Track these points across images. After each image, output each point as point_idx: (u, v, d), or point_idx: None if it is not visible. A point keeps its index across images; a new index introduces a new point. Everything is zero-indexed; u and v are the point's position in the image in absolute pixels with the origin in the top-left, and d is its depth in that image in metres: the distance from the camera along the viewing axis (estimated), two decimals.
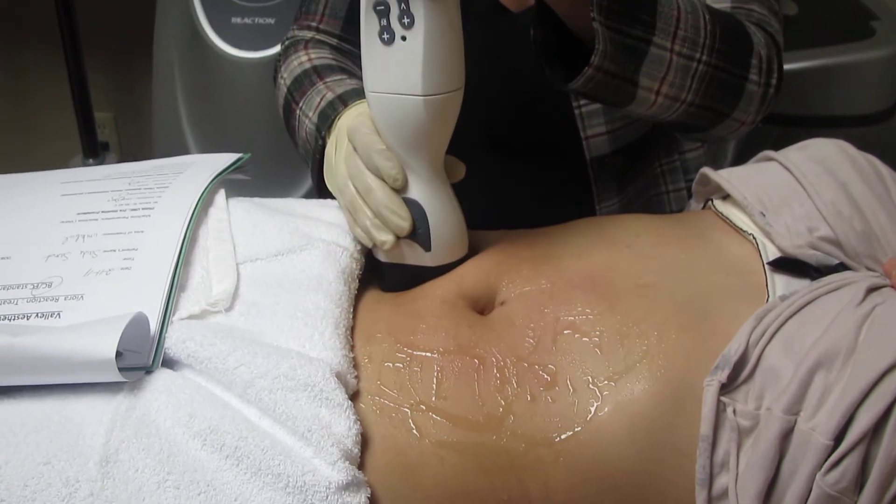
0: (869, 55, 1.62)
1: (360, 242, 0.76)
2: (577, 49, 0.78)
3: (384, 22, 0.65)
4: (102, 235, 0.72)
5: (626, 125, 0.99)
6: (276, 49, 1.49)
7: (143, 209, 0.74)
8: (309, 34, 1.04)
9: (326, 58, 0.99)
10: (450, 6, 0.66)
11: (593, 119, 0.97)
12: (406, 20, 0.65)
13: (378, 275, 0.77)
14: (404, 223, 0.71)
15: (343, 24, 1.03)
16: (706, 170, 0.80)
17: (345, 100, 0.86)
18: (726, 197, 0.78)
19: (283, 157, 1.56)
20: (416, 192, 0.72)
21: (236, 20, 1.53)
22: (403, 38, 0.65)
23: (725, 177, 0.77)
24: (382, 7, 0.65)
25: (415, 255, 0.74)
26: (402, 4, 0.64)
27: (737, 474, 0.61)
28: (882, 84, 1.67)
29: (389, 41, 0.66)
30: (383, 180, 0.71)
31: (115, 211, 0.74)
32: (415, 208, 0.72)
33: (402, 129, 0.69)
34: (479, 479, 0.62)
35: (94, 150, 2.06)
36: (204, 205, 0.76)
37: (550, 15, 0.77)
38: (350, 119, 0.76)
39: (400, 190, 0.72)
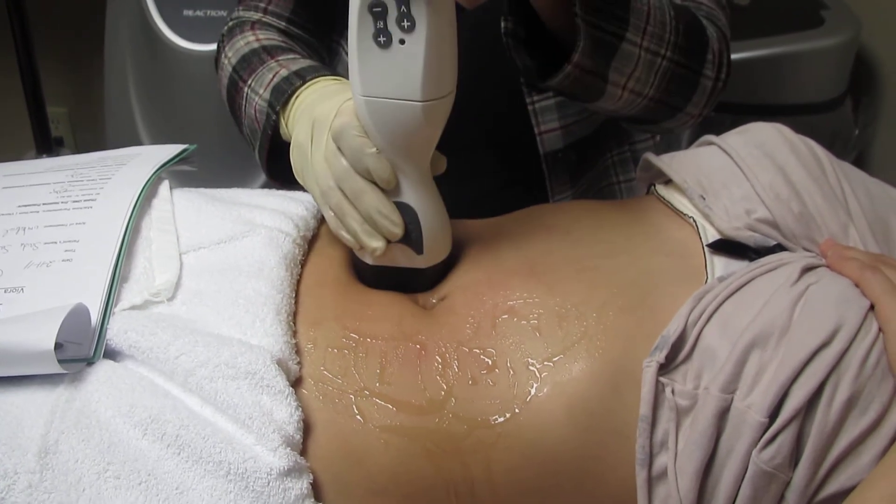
0: (819, 44, 1.65)
1: (302, 227, 0.76)
2: (545, 42, 0.78)
3: (380, 24, 0.61)
4: (43, 227, 0.71)
5: (579, 120, 1.00)
6: None
7: (85, 201, 0.74)
8: (256, 15, 1.00)
9: (275, 40, 0.95)
10: (450, 7, 0.62)
11: (546, 115, 0.98)
12: (406, 23, 0.61)
13: (361, 275, 0.75)
14: (397, 229, 0.69)
15: (293, 7, 0.99)
16: (648, 155, 0.81)
17: (302, 75, 0.81)
18: (668, 181, 0.79)
19: (237, 150, 1.55)
20: (407, 194, 0.69)
21: (188, 13, 1.52)
22: (402, 42, 0.62)
23: (666, 161, 0.78)
24: (379, 9, 0.61)
25: (406, 258, 0.72)
26: (402, 7, 0.60)
27: (676, 453, 0.62)
28: (832, 73, 1.69)
29: (386, 44, 0.62)
30: (373, 183, 0.69)
31: (57, 203, 0.74)
32: (407, 212, 0.70)
33: (396, 134, 0.66)
34: (423, 462, 0.63)
35: (47, 146, 2.03)
36: (147, 196, 0.76)
37: (521, 7, 0.76)
38: (330, 109, 0.71)
39: (391, 193, 0.69)
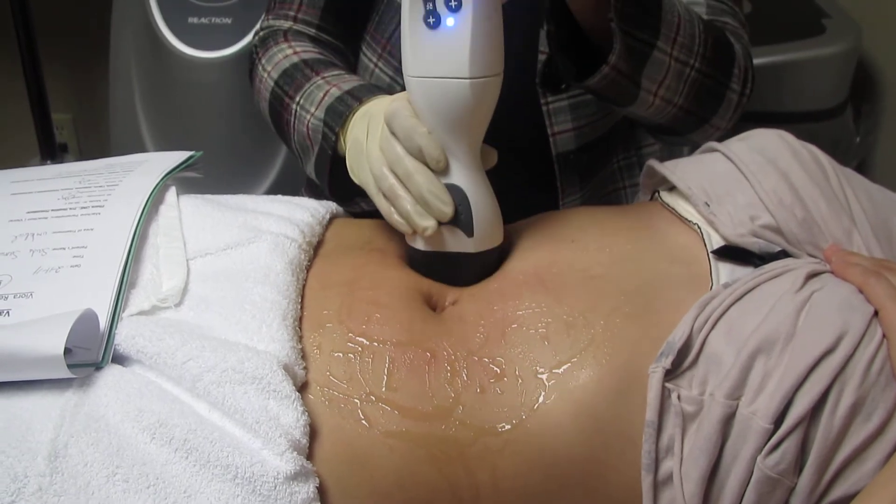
0: (820, 52, 1.65)
1: (308, 233, 0.76)
2: (583, 47, 0.83)
3: (430, 6, 0.66)
4: (52, 233, 0.72)
5: (591, 122, 1.01)
6: (234, 49, 1.49)
7: (93, 207, 0.74)
8: (287, 24, 1.01)
9: (312, 51, 0.96)
10: None
11: (560, 116, 0.99)
12: (453, 3, 0.66)
13: (413, 264, 0.76)
14: (447, 208, 0.71)
15: (322, 14, 1.01)
16: (652, 162, 0.81)
17: (357, 96, 0.84)
18: (672, 188, 0.79)
19: (242, 157, 1.56)
20: (457, 177, 0.72)
21: (193, 20, 1.53)
22: (450, 22, 0.66)
23: (671, 168, 0.78)
24: None
25: (456, 242, 0.73)
26: None
27: (681, 459, 0.62)
28: (833, 81, 1.70)
29: (435, 25, 0.67)
30: (424, 164, 0.71)
31: (65, 209, 0.74)
32: (457, 193, 0.72)
33: (446, 113, 0.69)
34: (427, 468, 0.63)
35: (51, 152, 2.04)
36: (154, 202, 0.76)
37: (561, 12, 0.81)
38: (385, 104, 0.75)
39: (441, 174, 0.71)
